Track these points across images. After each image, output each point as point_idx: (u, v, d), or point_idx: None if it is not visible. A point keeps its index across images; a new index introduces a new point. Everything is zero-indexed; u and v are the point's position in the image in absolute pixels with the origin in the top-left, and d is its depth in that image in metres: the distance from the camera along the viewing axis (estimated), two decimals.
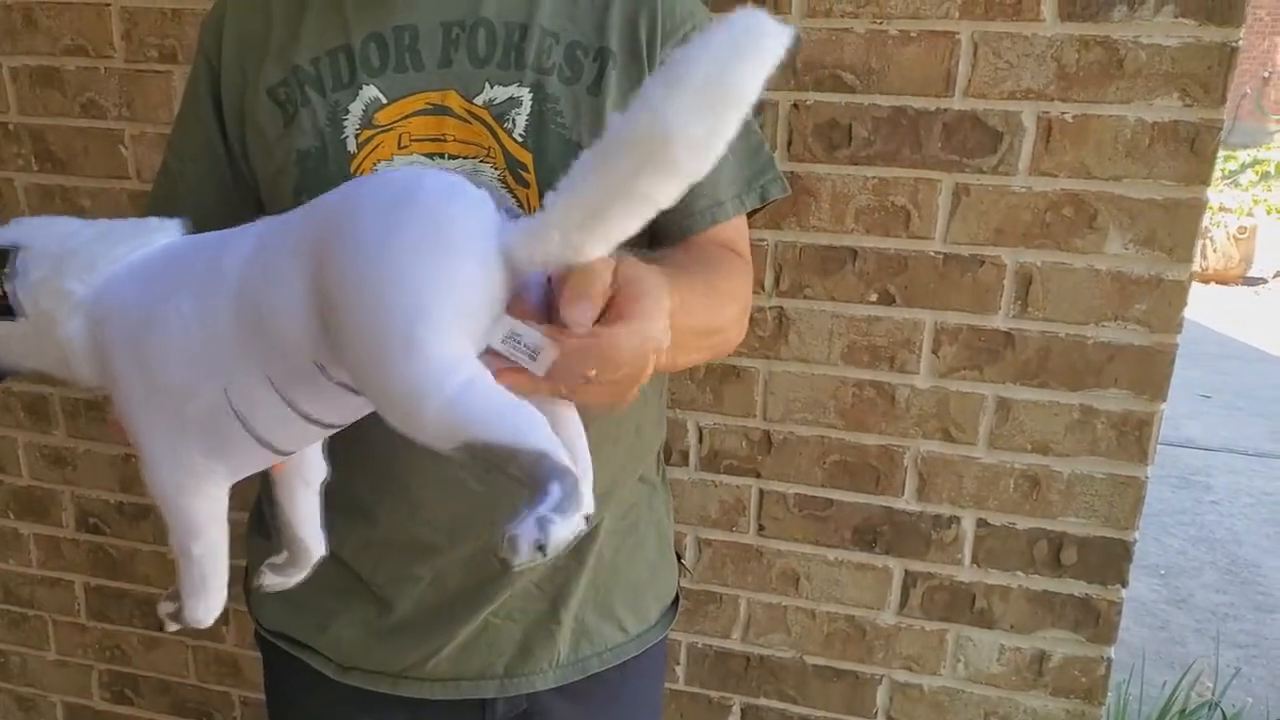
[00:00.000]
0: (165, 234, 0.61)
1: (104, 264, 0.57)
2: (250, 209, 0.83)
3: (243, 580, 0.98)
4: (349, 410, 0.57)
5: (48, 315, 0.57)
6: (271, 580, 0.70)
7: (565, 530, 0.44)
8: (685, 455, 1.28)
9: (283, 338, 0.51)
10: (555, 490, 0.44)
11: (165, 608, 0.65)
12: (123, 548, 1.56)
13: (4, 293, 0.57)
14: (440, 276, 0.47)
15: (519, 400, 0.47)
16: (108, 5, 1.30)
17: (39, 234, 0.59)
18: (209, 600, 0.63)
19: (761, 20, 0.44)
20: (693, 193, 0.79)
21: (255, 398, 0.54)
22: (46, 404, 1.51)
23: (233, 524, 1.60)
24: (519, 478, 0.46)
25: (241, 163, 0.82)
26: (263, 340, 0.52)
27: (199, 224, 0.84)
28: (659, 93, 0.44)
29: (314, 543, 0.69)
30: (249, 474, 0.60)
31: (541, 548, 0.43)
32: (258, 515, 0.93)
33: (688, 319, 0.62)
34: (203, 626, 0.64)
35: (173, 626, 0.65)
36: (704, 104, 0.44)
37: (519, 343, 0.51)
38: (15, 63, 1.36)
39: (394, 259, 0.47)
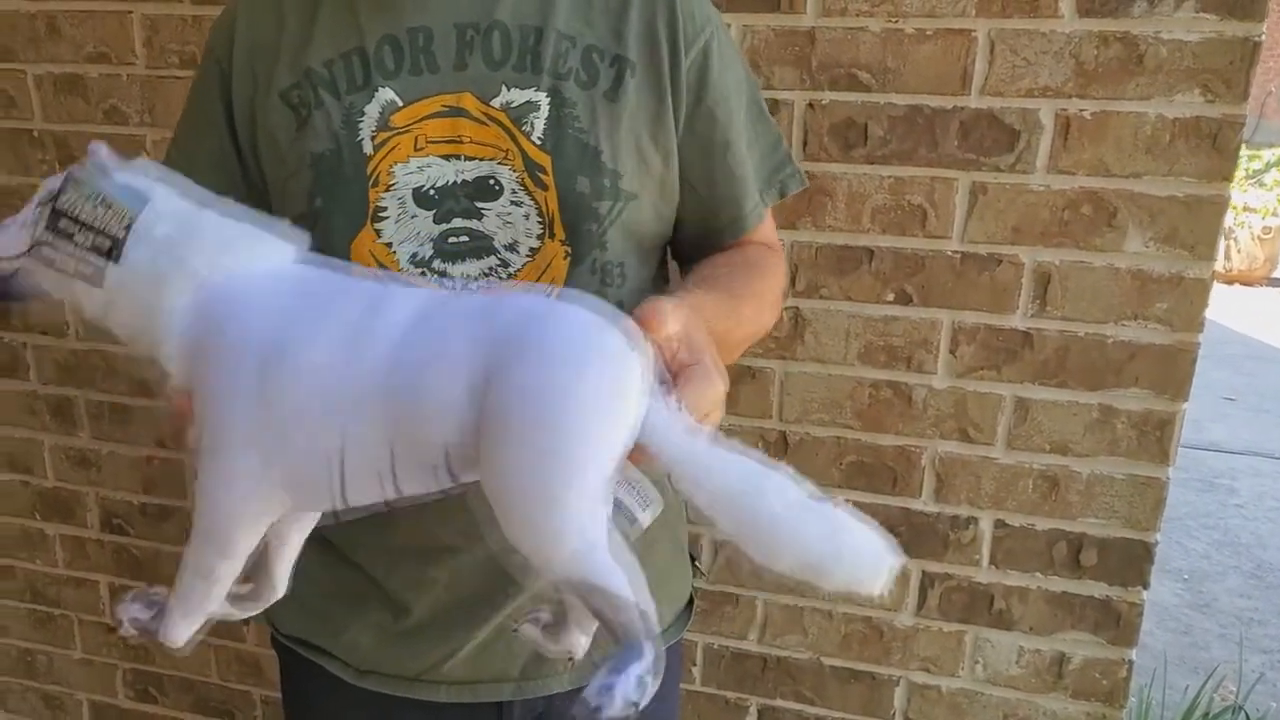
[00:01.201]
0: (291, 247, 0.58)
1: (230, 260, 0.55)
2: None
3: None
4: (421, 496, 0.56)
5: (160, 278, 0.53)
6: (222, 609, 0.65)
7: (652, 692, 0.48)
8: None
9: (429, 418, 0.51)
10: (649, 652, 0.48)
11: (133, 612, 0.61)
12: (146, 548, 1.57)
13: (123, 234, 0.52)
14: (605, 438, 0.49)
15: (631, 558, 0.50)
16: (129, 13, 1.32)
17: (170, 189, 0.56)
18: (195, 622, 0.61)
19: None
20: (732, 199, 0.83)
21: (364, 463, 0.53)
22: (72, 406, 1.53)
23: None
24: (612, 626, 0.49)
25: (253, 169, 0.81)
26: (406, 413, 0.51)
27: None
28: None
29: (281, 584, 0.67)
30: (295, 519, 0.59)
31: (635, 704, 0.46)
32: None
33: (739, 331, 0.76)
34: (173, 646, 0.61)
35: (129, 632, 0.62)
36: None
37: (636, 489, 0.54)
38: (39, 70, 1.38)
39: (577, 407, 0.48)
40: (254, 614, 0.66)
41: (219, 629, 1.60)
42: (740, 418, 1.25)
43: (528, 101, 0.75)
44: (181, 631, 0.61)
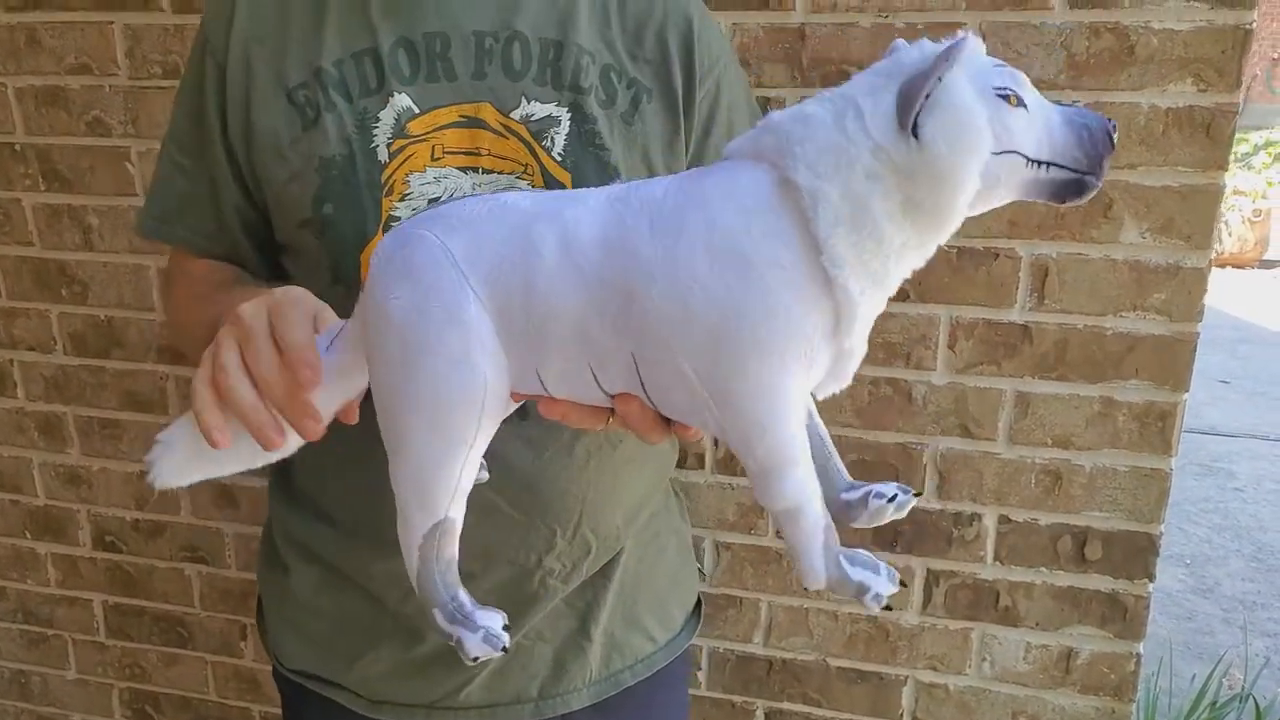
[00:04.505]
0: None
1: None
2: (255, 211, 0.80)
3: (256, 612, 0.96)
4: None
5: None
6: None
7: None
8: (701, 459, 1.27)
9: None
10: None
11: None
12: (140, 565, 1.56)
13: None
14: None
15: None
16: (110, 23, 1.30)
17: None
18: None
19: None
20: None
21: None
22: (61, 423, 1.51)
23: (249, 537, 1.57)
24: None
25: (244, 166, 0.78)
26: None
27: (224, 227, 0.81)
28: None
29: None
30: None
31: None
32: (269, 547, 0.91)
33: None
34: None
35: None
36: None
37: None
38: (20, 83, 1.36)
39: None
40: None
41: (216, 645, 1.58)
42: None
43: (549, 116, 0.73)
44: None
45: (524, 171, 0.73)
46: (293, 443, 0.59)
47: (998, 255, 1.11)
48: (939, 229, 0.51)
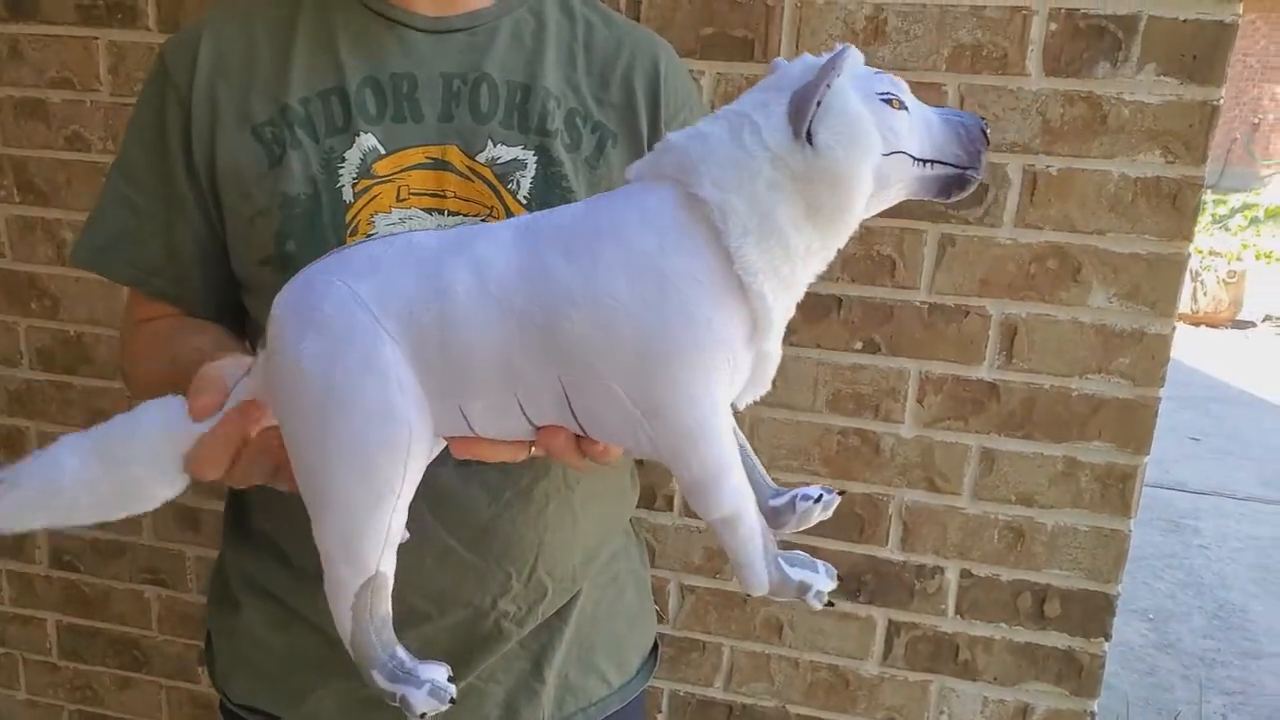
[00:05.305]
0: None
1: None
2: (216, 244, 0.79)
3: (203, 648, 0.94)
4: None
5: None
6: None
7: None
8: (669, 501, 1.27)
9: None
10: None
11: None
12: (97, 586, 1.53)
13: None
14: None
15: None
16: (95, 39, 1.30)
17: None
18: None
19: None
20: None
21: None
22: (23, 438, 1.49)
23: (211, 560, 1.54)
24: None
25: (209, 199, 0.77)
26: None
27: (174, 262, 0.80)
28: None
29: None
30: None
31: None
32: (220, 583, 0.89)
33: None
34: None
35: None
36: None
37: None
38: (0, 94, 1.36)
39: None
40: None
41: (172, 670, 1.55)
42: None
43: (514, 159, 0.73)
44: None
45: (489, 214, 0.73)
46: (163, 497, 0.60)
47: (968, 313, 1.13)
48: (839, 231, 0.54)
